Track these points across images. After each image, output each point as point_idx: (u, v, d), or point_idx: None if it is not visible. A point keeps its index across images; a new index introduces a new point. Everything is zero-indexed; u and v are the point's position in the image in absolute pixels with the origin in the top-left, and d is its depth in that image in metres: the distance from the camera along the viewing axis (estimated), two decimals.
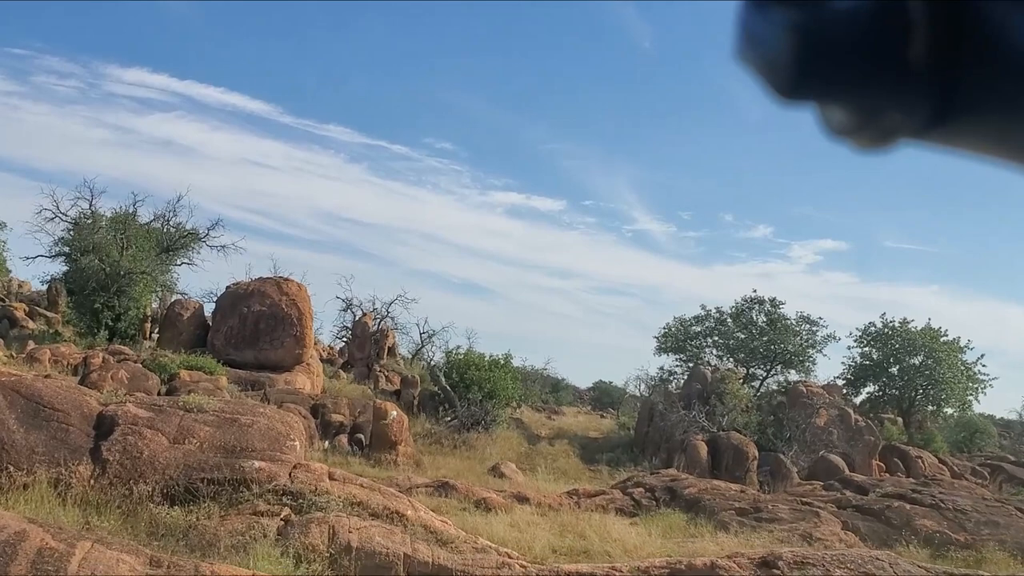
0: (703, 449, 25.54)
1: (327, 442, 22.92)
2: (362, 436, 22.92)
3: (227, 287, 29.52)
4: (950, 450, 32.81)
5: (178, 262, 33.59)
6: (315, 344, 41.82)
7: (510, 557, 9.11)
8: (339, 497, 8.99)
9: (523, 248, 75.28)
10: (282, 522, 8.63)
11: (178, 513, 8.66)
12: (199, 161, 64.63)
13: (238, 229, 66.16)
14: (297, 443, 9.98)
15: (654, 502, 16.19)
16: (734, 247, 72.44)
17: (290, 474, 9.37)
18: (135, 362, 26.21)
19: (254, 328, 27.67)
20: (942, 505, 15.36)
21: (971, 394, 33.83)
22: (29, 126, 62.90)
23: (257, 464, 9.24)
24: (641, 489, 16.66)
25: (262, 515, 8.65)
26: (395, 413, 22.15)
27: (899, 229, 72.10)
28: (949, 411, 34.20)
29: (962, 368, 33.19)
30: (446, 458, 24.76)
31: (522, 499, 16.02)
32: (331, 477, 9.58)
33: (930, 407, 34.18)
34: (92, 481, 8.87)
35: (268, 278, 28.88)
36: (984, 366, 34.06)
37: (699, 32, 71.67)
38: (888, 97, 0.64)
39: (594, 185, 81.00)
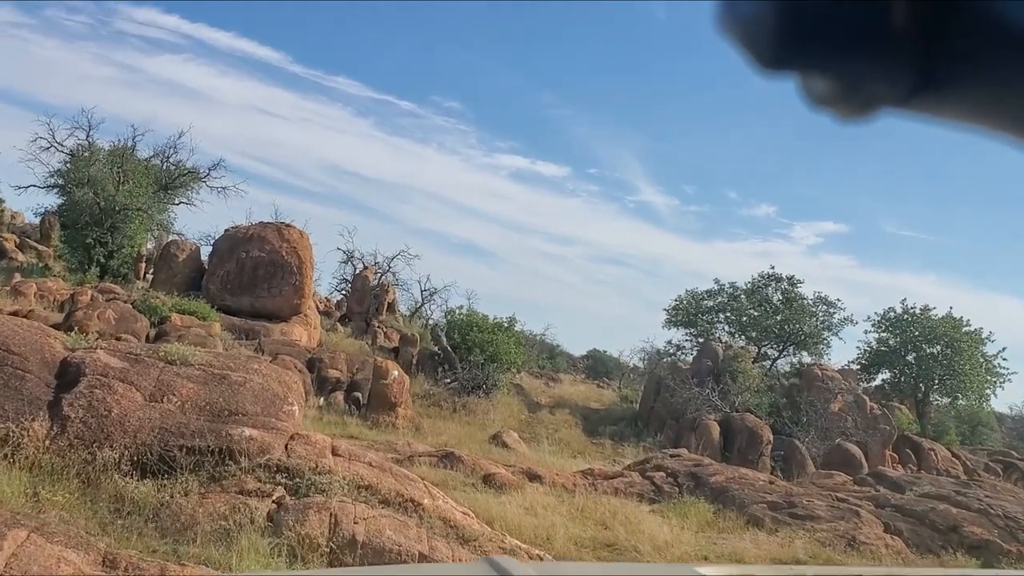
0: (715, 429, 24.01)
1: (323, 399, 21.35)
2: (360, 395, 21.33)
3: (226, 230, 27.79)
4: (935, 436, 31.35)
5: (176, 201, 31.80)
6: (313, 295, 40.35)
7: (541, 560, 7.53)
8: (343, 478, 7.37)
9: (525, 212, 73.52)
10: (274, 505, 7.03)
11: (149, 487, 7.05)
12: (205, 105, 62.50)
13: (242, 175, 64.01)
14: (296, 408, 8.36)
15: (676, 488, 14.64)
16: (736, 224, 70.84)
17: (286, 446, 7.75)
18: (125, 302, 24.55)
19: (252, 274, 25.99)
20: (991, 511, 13.85)
21: (989, 388, 32.36)
22: (37, 60, 60.66)
23: (248, 432, 7.61)
24: (662, 473, 15.10)
25: (251, 495, 7.04)
26: (396, 373, 20.60)
27: (900, 216, 70.53)
28: (963, 403, 32.67)
29: (982, 361, 31.66)
30: (446, 422, 23.22)
31: (533, 476, 14.46)
32: (335, 452, 7.95)
33: (945, 399, 32.68)
34: (48, 442, 7.24)
35: (269, 223, 27.13)
36: (1005, 360, 32.60)
37: (712, 7, 68.95)
38: (870, 66, 0.62)
39: (599, 153, 79.04)
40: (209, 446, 7.43)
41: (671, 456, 16.92)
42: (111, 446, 7.36)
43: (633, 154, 78.32)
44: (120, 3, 68.66)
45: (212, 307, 24.94)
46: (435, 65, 73.10)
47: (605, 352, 53.37)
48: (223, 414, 7.92)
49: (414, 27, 70.63)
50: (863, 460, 23.86)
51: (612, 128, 76.62)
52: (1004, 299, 66.19)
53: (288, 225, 27.04)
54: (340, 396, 21.74)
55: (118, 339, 21.18)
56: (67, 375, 8.01)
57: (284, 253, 26.06)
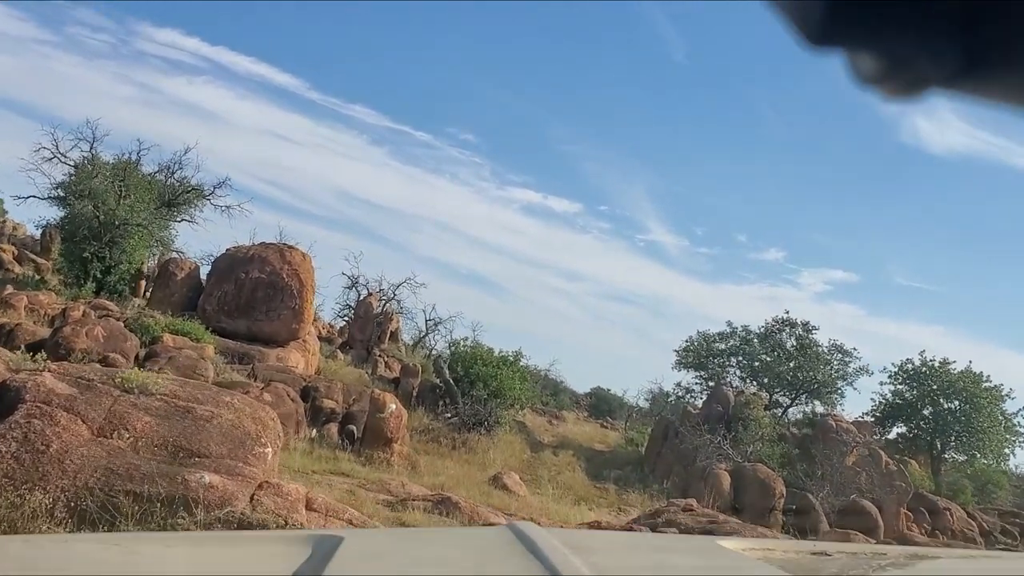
0: (726, 480, 22.64)
1: (315, 430, 20.06)
2: (354, 428, 20.02)
3: (227, 249, 26.65)
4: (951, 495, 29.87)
5: (178, 218, 30.70)
6: (315, 320, 39.12)
7: None
8: None
9: (535, 247, 72.62)
10: None
11: None
12: (222, 127, 61.77)
13: (253, 198, 63.47)
14: (269, 450, 7.12)
15: None
16: (745, 267, 69.86)
17: (252, 497, 6.50)
18: (118, 319, 23.39)
19: (250, 296, 24.80)
20: None
21: (1008, 447, 30.94)
22: (58, 76, 60.11)
23: (208, 478, 6.37)
24: (674, 530, 13.77)
25: None
26: (394, 407, 19.29)
27: (910, 267, 69.40)
28: (984, 462, 31.22)
29: (1001, 418, 30.27)
30: (444, 460, 21.89)
31: None
32: (309, 506, 6.69)
33: (962, 456, 31.23)
34: None
35: (271, 244, 25.99)
36: None
37: (733, 49, 68.72)
38: (918, 44, 0.62)
39: (612, 191, 78.33)
40: (160, 493, 6.19)
41: (683, 510, 15.60)
42: (44, 488, 6.13)
43: (645, 193, 77.62)
44: (143, 24, 68.28)
45: (207, 328, 23.75)
46: (452, 97, 72.53)
47: (609, 391, 52.21)
48: (183, 455, 6.68)
49: (432, 58, 70.09)
50: (879, 519, 22.44)
51: (624, 166, 75.95)
52: (1010, 353, 64.82)
53: (291, 247, 25.89)
54: (334, 428, 20.45)
55: (104, 358, 19.99)
56: (4, 400, 6.80)
57: (285, 275, 24.89)
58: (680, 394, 33.52)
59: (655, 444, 27.31)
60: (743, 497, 22.50)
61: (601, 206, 77.01)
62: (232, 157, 69.92)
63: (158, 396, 7.21)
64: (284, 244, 26.14)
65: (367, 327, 33.52)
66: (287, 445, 18.69)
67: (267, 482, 6.69)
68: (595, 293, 76.27)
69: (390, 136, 76.13)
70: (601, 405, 51.01)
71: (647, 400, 45.69)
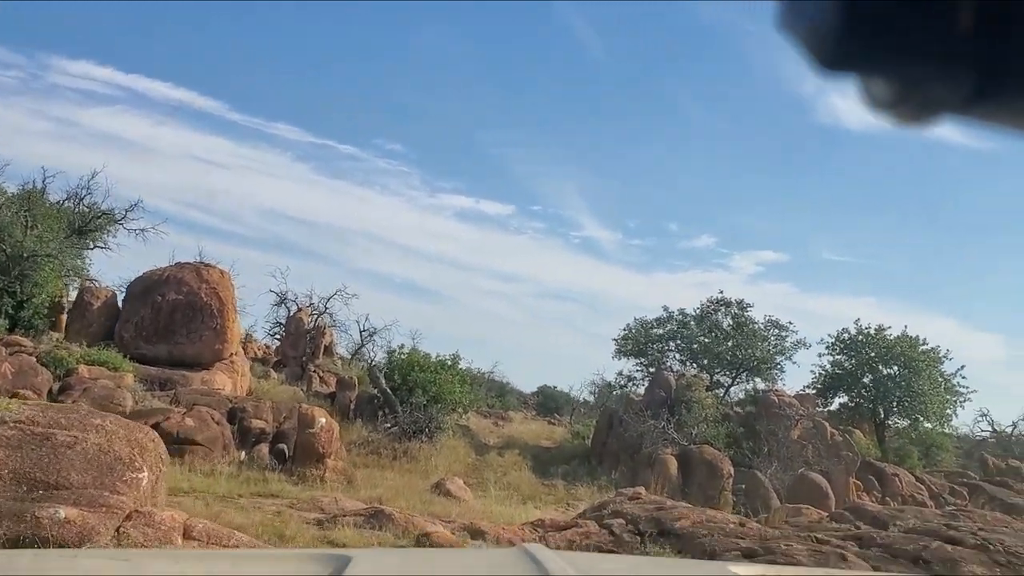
0: (673, 465, 22.09)
1: (244, 453, 19.02)
2: (285, 447, 19.02)
3: (142, 273, 25.39)
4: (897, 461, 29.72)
5: (91, 245, 29.27)
6: (251, 341, 37.76)
7: None
8: None
9: (471, 251, 71.80)
10: None
11: None
12: (142, 156, 59.87)
13: (180, 225, 61.53)
14: (145, 475, 6.22)
15: (637, 537, 12.61)
16: (678, 256, 69.90)
17: (119, 529, 5.59)
18: (30, 354, 22.08)
19: (169, 319, 23.61)
20: (989, 546, 12.01)
21: (950, 408, 30.86)
22: None
23: (63, 512, 5.47)
24: (621, 520, 13.06)
25: None
26: (324, 421, 18.35)
27: (837, 242, 70.14)
28: (927, 425, 31.11)
29: (941, 380, 30.16)
30: (384, 472, 20.97)
31: (476, 533, 12.38)
32: (188, 534, 5.80)
33: (905, 421, 31.07)
34: None
35: (186, 264, 24.81)
36: (964, 378, 31.17)
37: (649, 42, 68.77)
38: (931, 69, 0.62)
39: (544, 191, 77.87)
40: (5, 534, 5.26)
41: (630, 499, 14.91)
42: None
43: (576, 190, 77.27)
44: (54, 57, 66.03)
45: (126, 356, 22.57)
46: (375, 108, 71.31)
47: (555, 388, 51.81)
48: (38, 487, 5.76)
49: (352, 71, 68.83)
50: (829, 491, 22.07)
51: (555, 165, 75.51)
52: (941, 320, 65.93)
53: (208, 265, 24.75)
54: (265, 449, 19.40)
55: (15, 395, 18.75)
56: None
57: (203, 295, 23.75)
58: (622, 383, 32.96)
59: (601, 435, 26.66)
60: (691, 480, 21.96)
61: (534, 206, 76.49)
62: (155, 184, 67.99)
63: (11, 424, 6.27)
64: (201, 263, 25.00)
65: (299, 343, 32.41)
66: (213, 471, 17.70)
67: (137, 511, 5.81)
68: (534, 293, 75.74)
69: (315, 151, 74.65)
70: (548, 403, 50.63)
71: (592, 393, 45.31)
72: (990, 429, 39.34)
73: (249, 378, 27.26)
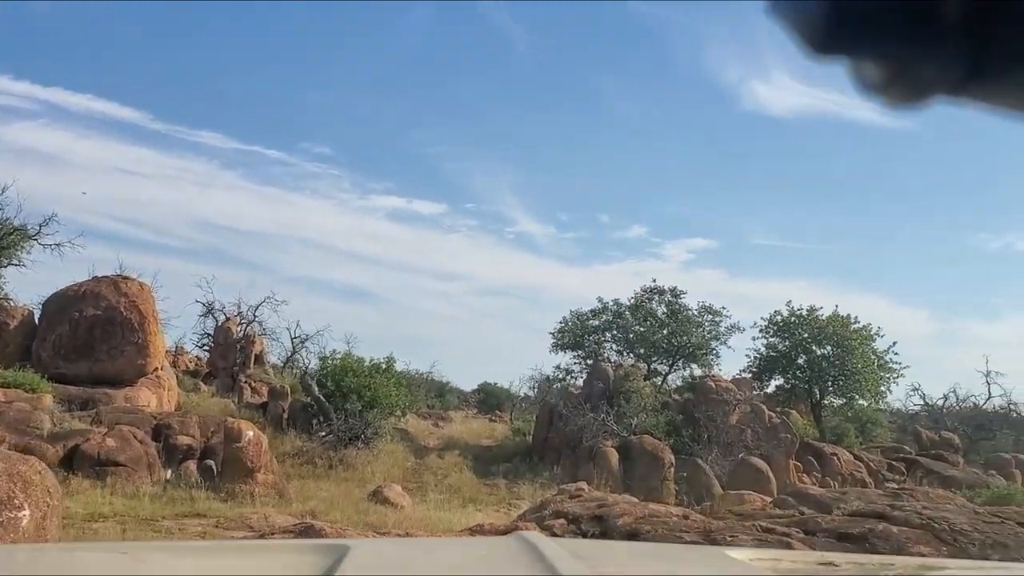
0: (614, 457, 21.75)
1: (170, 471, 18.16)
2: (213, 463, 18.21)
3: (59, 290, 24.22)
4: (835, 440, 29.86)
5: (4, 263, 27.88)
6: (182, 354, 36.55)
7: None
8: None
9: (405, 251, 70.88)
10: None
11: None
12: (65, 170, 57.68)
13: (107, 239, 59.48)
14: (26, 513, 5.53)
15: (580, 537, 12.17)
16: (611, 247, 70.03)
17: None
18: None
19: (87, 336, 22.53)
20: (935, 524, 11.77)
21: (884, 384, 31.09)
22: None
23: None
24: (563, 521, 12.57)
25: None
26: (251, 434, 17.60)
27: (766, 227, 70.95)
28: (862, 403, 31.31)
29: (873, 357, 30.35)
30: (319, 482, 20.26)
31: None
32: None
33: (841, 400, 31.22)
34: None
35: (104, 277, 23.71)
36: (896, 354, 31.41)
37: (573, 35, 68.64)
38: (922, 51, 0.62)
39: (476, 188, 77.27)
40: None
41: (571, 497, 14.46)
42: None
43: (508, 186, 76.78)
44: None
45: (44, 376, 21.43)
46: (302, 112, 69.88)
47: (496, 384, 51.26)
48: None
49: (276, 75, 67.35)
50: (770, 474, 21.98)
51: (486, 162, 74.87)
52: (870, 297, 67.09)
53: (127, 278, 23.70)
54: (193, 466, 18.57)
55: None
56: None
57: (123, 309, 22.71)
58: (561, 376, 32.58)
59: (541, 431, 26.26)
60: (633, 471, 21.66)
61: (467, 204, 75.90)
62: (78, 198, 65.70)
63: None
64: (119, 276, 23.92)
65: (229, 354, 31.40)
66: (136, 492, 16.84)
67: None
68: (471, 290, 75.12)
69: (242, 158, 72.88)
70: (489, 400, 50.20)
71: (532, 388, 45.01)
72: (922, 403, 39.90)
73: (177, 392, 26.24)
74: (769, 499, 16.53)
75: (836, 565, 2.43)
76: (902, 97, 0.63)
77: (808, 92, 70.27)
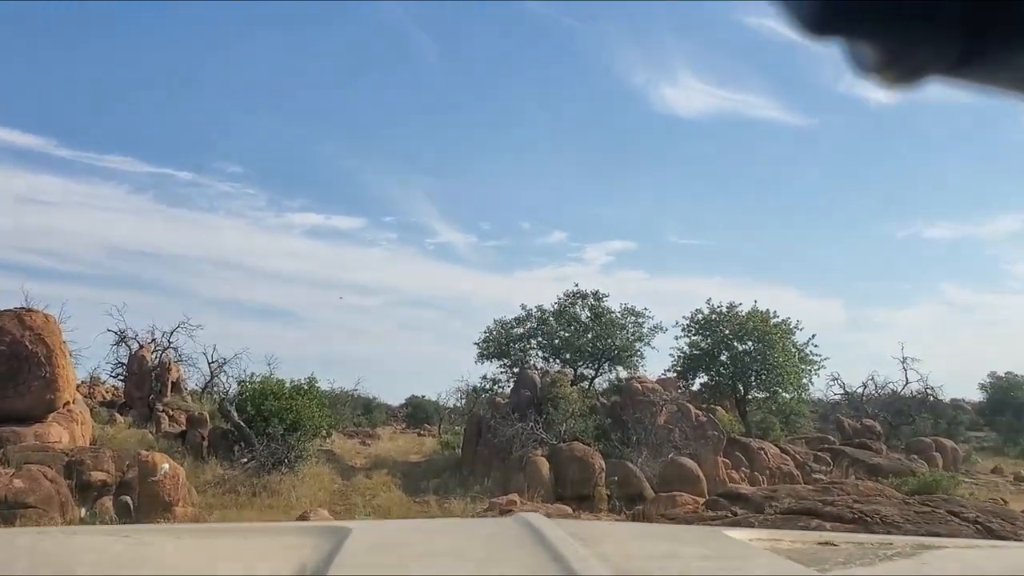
0: (544, 466, 21.51)
1: (84, 509, 17.34)
2: (129, 498, 17.44)
3: None
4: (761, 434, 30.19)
5: None
6: (98, 384, 35.27)
7: None
8: None
9: (326, 268, 70.03)
10: None
11: None
12: None
13: (12, 271, 57.22)
14: None
15: None
16: (533, 253, 70.30)
17: None
18: None
19: None
20: (867, 518, 11.85)
21: (806, 377, 31.55)
22: None
23: None
24: None
25: None
26: (167, 466, 16.94)
27: (682, 226, 72.10)
28: (785, 396, 31.69)
29: (794, 350, 30.76)
30: (242, 511, 19.58)
31: None
32: None
33: (764, 394, 31.55)
34: None
35: (6, 311, 22.57)
36: (816, 346, 31.89)
37: (481, 43, 68.82)
38: (919, 31, 0.61)
39: (394, 200, 76.81)
40: None
41: (502, 513, 14.17)
42: None
43: (427, 197, 76.47)
44: None
45: None
46: (211, 132, 68.42)
47: (424, 397, 50.88)
48: None
49: (182, 95, 65.78)
50: (700, 473, 22.00)
51: (403, 173, 74.50)
52: (784, 291, 68.69)
53: (30, 310, 22.61)
54: (108, 503, 17.77)
55: None
56: None
57: (28, 343, 21.66)
58: (488, 386, 32.27)
59: (470, 443, 25.92)
60: (565, 479, 21.45)
61: (386, 217, 75.25)
62: None
63: None
64: (22, 308, 22.81)
65: (144, 382, 30.35)
66: None
67: None
68: (395, 303, 74.64)
69: (152, 181, 71.12)
70: (418, 413, 49.88)
71: (460, 400, 44.69)
72: (842, 392, 40.70)
73: (91, 426, 25.18)
74: (701, 499, 16.47)
75: (835, 545, 2.48)
76: (899, 78, 0.62)
77: (714, 93, 71.95)
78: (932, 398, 41.45)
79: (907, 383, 40.56)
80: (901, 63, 0.62)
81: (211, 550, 2.09)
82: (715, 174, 70.88)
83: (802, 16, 0.61)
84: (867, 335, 62.89)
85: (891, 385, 41.15)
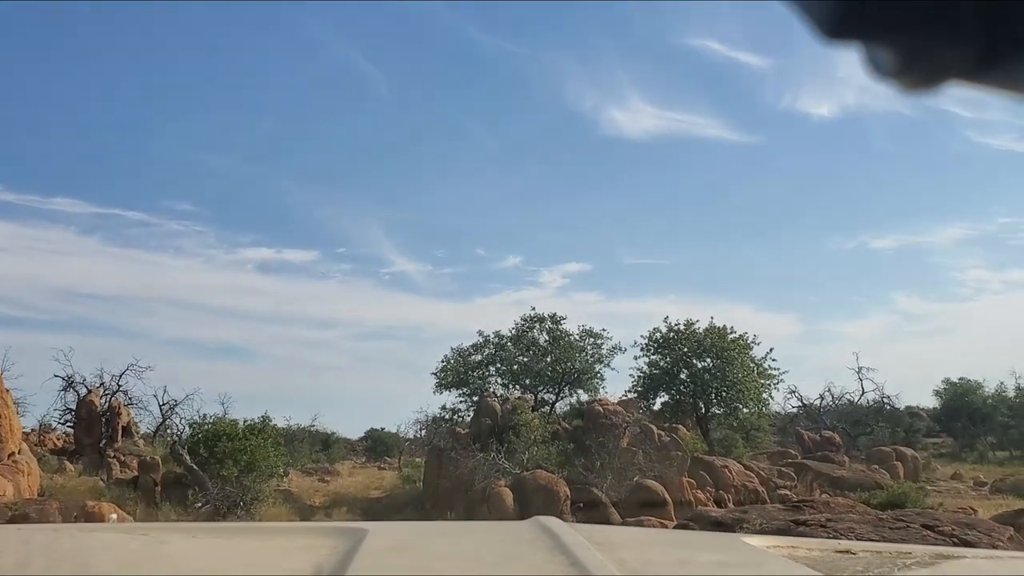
0: (508, 496, 20.93)
1: None
2: None
3: None
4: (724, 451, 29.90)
5: None
6: (49, 432, 34.02)
7: None
8: None
9: (279, 302, 68.63)
10: None
11: None
12: None
13: None
14: None
15: None
16: (489, 279, 69.52)
17: None
18: None
19: None
20: (842, 536, 11.44)
21: (765, 391, 31.31)
22: None
23: None
24: None
25: None
26: (115, 516, 16.10)
27: (635, 246, 72.06)
28: (747, 411, 31.43)
29: (753, 365, 30.53)
30: None
31: None
32: None
33: (723, 409, 31.24)
34: None
35: None
36: (774, 360, 31.69)
37: (430, 74, 68.47)
38: (936, 36, 0.60)
39: (347, 232, 75.60)
40: None
41: None
42: None
43: (380, 228, 75.37)
44: None
45: None
46: (159, 170, 66.96)
47: (383, 430, 49.90)
48: None
49: (131, 134, 64.43)
50: (666, 495, 21.55)
51: (355, 205, 73.34)
52: (739, 307, 68.96)
53: None
54: None
55: None
56: None
57: None
58: (447, 416, 31.57)
59: (431, 476, 25.24)
60: (530, 509, 20.83)
61: (339, 249, 73.92)
62: None
63: None
64: None
65: (94, 428, 29.32)
66: None
67: None
68: (351, 336, 73.33)
69: (100, 222, 69.27)
70: (378, 446, 48.89)
71: (419, 431, 43.97)
72: (800, 404, 40.67)
73: (39, 476, 24.17)
74: (670, 523, 16.00)
75: (853, 553, 2.46)
76: (917, 83, 0.60)
77: (660, 114, 72.25)
78: (888, 407, 41.60)
79: (863, 393, 40.71)
80: (919, 67, 0.60)
81: (228, 550, 2.10)
82: (665, 194, 71.00)
83: (819, 20, 0.59)
84: (821, 348, 63.17)
85: (848, 396, 41.29)
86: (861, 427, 39.61)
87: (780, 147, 69.99)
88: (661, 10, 67.02)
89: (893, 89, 0.62)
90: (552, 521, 2.20)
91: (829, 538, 11.40)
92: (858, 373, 39.73)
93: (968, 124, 68.70)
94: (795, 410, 40.98)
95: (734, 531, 13.04)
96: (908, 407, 45.88)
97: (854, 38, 0.60)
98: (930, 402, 48.93)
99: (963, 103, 52.93)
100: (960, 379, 45.22)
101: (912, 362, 63.83)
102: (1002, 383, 45.20)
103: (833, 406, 41.21)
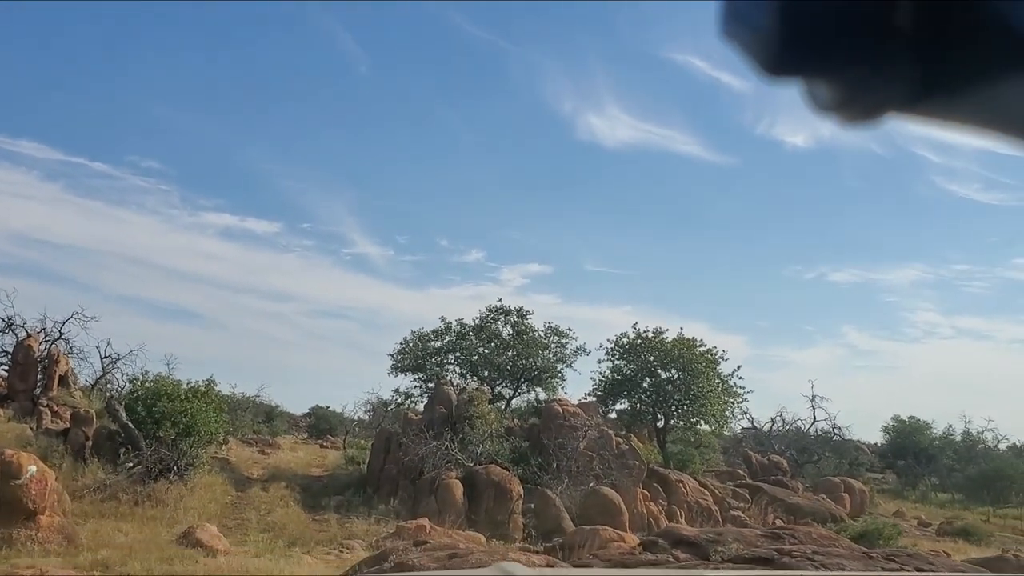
0: (458, 489, 19.54)
1: None
2: None
3: None
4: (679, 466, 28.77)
5: None
6: None
7: None
8: None
9: (237, 271, 66.49)
10: None
11: None
12: None
13: None
14: None
15: None
16: (449, 270, 68.07)
17: None
18: None
19: None
20: (828, 570, 10.23)
21: (728, 409, 30.20)
22: None
23: None
24: None
25: None
26: (34, 469, 14.38)
27: (597, 254, 71.03)
28: (707, 427, 30.32)
29: (718, 381, 29.39)
30: (121, 522, 17.15)
31: None
32: None
33: (682, 423, 30.08)
34: None
35: None
36: (741, 378, 30.58)
37: (414, 59, 66.80)
38: (873, 70, 0.61)
39: (312, 208, 73.65)
40: None
41: (415, 544, 12.17)
42: None
43: (346, 207, 73.57)
44: None
45: None
46: (129, 124, 64.32)
47: (328, 408, 48.29)
48: None
49: (102, 84, 61.79)
50: (622, 505, 20.36)
51: (324, 182, 71.30)
52: (694, 324, 68.41)
53: None
54: None
55: None
56: None
57: None
58: (400, 400, 30.05)
59: (377, 459, 23.75)
60: (479, 505, 19.55)
61: (303, 224, 71.75)
62: None
63: None
64: None
65: (29, 374, 27.38)
66: None
67: None
68: (305, 312, 71.36)
69: (64, 170, 66.41)
70: (321, 424, 47.31)
71: (367, 412, 42.41)
72: (750, 426, 39.79)
73: None
74: (626, 535, 14.74)
75: None
76: (856, 116, 0.62)
77: (637, 126, 71.41)
78: (837, 437, 40.92)
79: (815, 421, 39.97)
80: (858, 101, 0.61)
81: None
82: (634, 205, 70.04)
83: (759, 58, 0.59)
84: (769, 373, 62.68)
85: (799, 423, 40.53)
86: (807, 455, 38.84)
87: (752, 171, 69.48)
88: (650, 23, 66.19)
89: (833, 122, 0.61)
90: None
91: (816, 568, 10.19)
92: (812, 401, 38.95)
93: (936, 169, 68.96)
94: (742, 431, 40.11)
95: (708, 554, 11.80)
96: (849, 440, 45.37)
97: (793, 75, 0.60)
98: (874, 437, 48.58)
99: (934, 148, 52.73)
100: (910, 418, 44.74)
101: (855, 396, 63.71)
102: (950, 426, 44.94)
103: (782, 431, 40.42)
